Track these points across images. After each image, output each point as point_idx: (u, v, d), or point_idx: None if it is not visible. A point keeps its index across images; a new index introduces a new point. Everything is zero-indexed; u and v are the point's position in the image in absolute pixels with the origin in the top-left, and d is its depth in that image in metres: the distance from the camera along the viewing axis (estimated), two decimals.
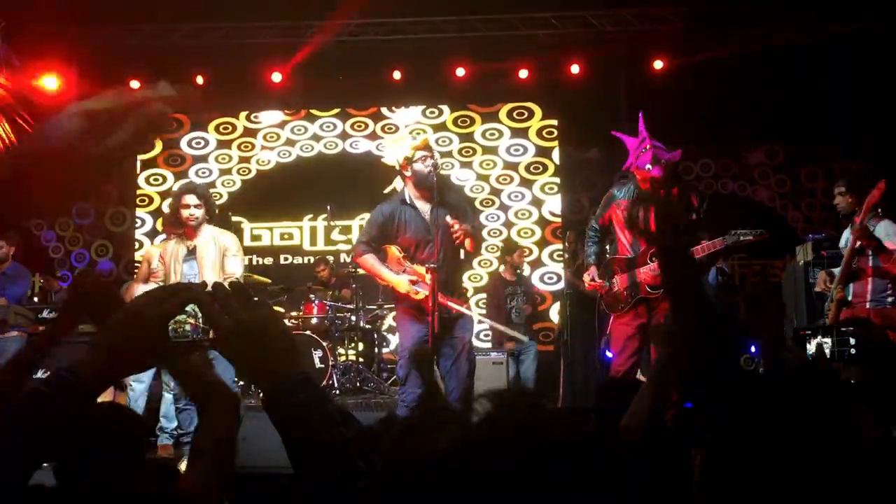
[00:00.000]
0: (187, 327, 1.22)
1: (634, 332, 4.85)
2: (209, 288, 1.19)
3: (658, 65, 9.75)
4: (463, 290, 5.09)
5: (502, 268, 8.53)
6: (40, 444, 1.08)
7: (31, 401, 1.09)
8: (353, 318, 8.18)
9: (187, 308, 1.19)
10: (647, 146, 4.86)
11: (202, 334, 1.22)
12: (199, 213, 5.52)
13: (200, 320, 1.22)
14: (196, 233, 5.58)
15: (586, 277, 5.10)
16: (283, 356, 1.15)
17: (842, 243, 5.37)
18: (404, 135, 5.52)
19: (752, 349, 8.12)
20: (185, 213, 5.51)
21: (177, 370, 1.41)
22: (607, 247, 5.16)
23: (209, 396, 1.45)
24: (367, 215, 10.02)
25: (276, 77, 10.04)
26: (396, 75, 10.06)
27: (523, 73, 10.07)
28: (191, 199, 5.53)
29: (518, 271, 8.33)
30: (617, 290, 4.91)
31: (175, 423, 5.80)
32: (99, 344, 1.15)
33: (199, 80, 10.06)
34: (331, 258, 9.48)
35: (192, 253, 5.56)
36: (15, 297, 6.63)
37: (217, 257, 5.54)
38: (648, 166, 4.79)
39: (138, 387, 5.95)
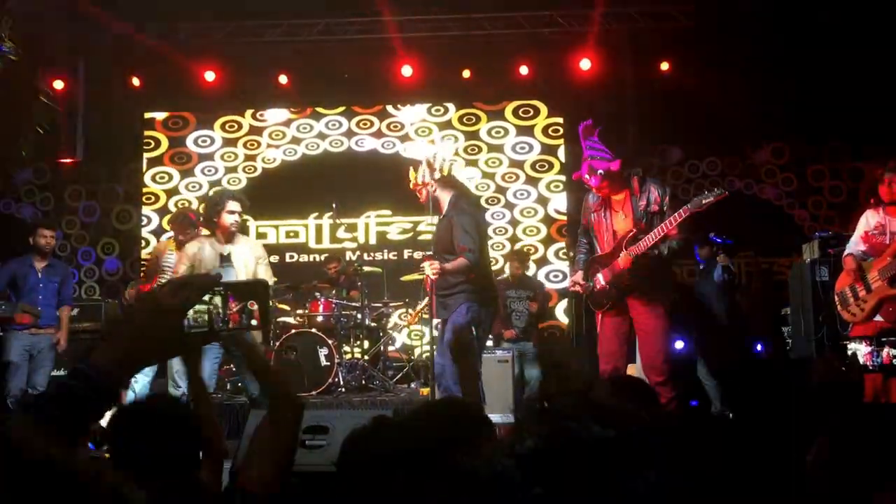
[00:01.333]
0: (206, 317, 1.22)
1: (620, 331, 5.00)
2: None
3: (664, 63, 9.73)
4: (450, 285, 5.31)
5: (506, 271, 8.57)
6: (65, 436, 1.08)
7: (56, 393, 1.09)
8: (359, 316, 8.18)
9: (205, 298, 1.21)
10: (585, 157, 5.03)
11: (221, 325, 1.23)
12: (239, 220, 5.68)
13: (220, 310, 1.23)
14: (232, 239, 5.69)
15: (574, 279, 5.26)
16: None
17: (870, 229, 5.17)
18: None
19: (759, 347, 8.11)
20: (229, 218, 5.63)
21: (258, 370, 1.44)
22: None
23: (277, 397, 1.47)
24: (372, 213, 10.18)
25: (283, 76, 10.06)
26: (402, 73, 10.06)
27: (528, 71, 10.07)
28: (235, 205, 5.70)
29: (524, 272, 8.39)
30: (599, 286, 5.04)
31: None
32: (118, 335, 1.16)
33: (206, 77, 10.08)
34: (350, 255, 9.43)
35: (227, 259, 5.63)
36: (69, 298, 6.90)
37: (253, 265, 5.68)
38: (586, 176, 5.01)
39: (143, 379, 5.98)
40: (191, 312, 1.19)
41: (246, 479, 1.47)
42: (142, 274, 6.79)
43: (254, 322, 1.26)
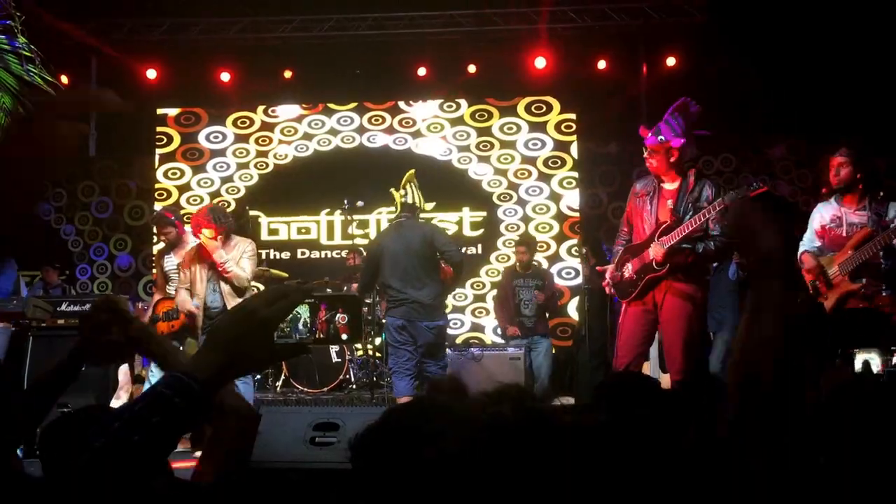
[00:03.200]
0: (297, 329, 1.20)
1: (643, 323, 4.75)
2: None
3: (674, 60, 9.67)
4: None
5: (512, 258, 8.50)
6: (160, 446, 1.07)
7: (151, 401, 1.07)
8: (371, 312, 8.15)
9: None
10: (645, 144, 4.85)
11: (309, 335, 1.21)
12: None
13: (308, 322, 1.21)
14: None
15: (608, 275, 5.08)
16: None
17: (826, 223, 5.00)
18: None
19: None
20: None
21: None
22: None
23: (223, 412, 1.44)
24: (384, 210, 10.16)
25: (294, 72, 10.06)
26: (421, 71, 10.04)
27: (541, 66, 10.02)
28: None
29: (533, 263, 8.26)
30: (628, 275, 4.83)
31: None
32: (215, 344, 1.14)
33: (219, 74, 10.09)
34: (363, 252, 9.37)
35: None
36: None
37: (238, 259, 5.68)
38: (649, 134, 4.81)
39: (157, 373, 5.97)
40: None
41: (199, 476, 1.43)
42: (154, 288, 6.73)
43: (345, 336, 1.25)
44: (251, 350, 1.14)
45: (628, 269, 4.84)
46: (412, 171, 6.19)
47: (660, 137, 4.78)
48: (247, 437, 1.53)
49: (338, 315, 1.24)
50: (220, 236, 5.70)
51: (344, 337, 1.27)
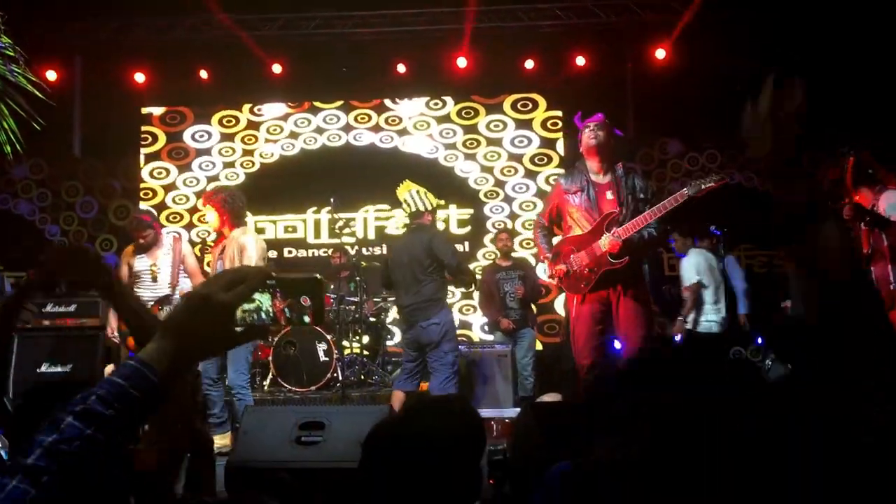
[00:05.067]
0: (257, 314, 1.18)
1: (599, 321, 4.76)
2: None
3: (662, 54, 9.69)
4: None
5: (491, 247, 8.51)
6: (115, 438, 1.03)
7: (106, 393, 1.03)
8: (358, 311, 8.14)
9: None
10: (587, 123, 4.94)
11: (270, 320, 1.19)
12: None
13: (268, 307, 1.19)
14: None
15: (548, 272, 5.12)
16: None
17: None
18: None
19: (759, 340, 8.07)
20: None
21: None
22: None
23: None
24: (371, 207, 10.14)
25: (280, 70, 10.02)
26: (400, 68, 10.03)
27: (528, 64, 10.04)
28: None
29: (511, 255, 8.25)
30: (577, 269, 4.81)
31: None
32: (171, 331, 1.11)
33: (203, 72, 10.05)
34: (349, 250, 9.34)
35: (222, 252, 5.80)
36: None
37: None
38: (592, 125, 4.91)
39: None
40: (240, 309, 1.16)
41: (141, 462, 1.41)
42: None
43: (306, 318, 1.22)
44: (209, 336, 1.12)
45: (576, 262, 4.83)
46: (405, 182, 6.32)
47: (608, 121, 4.93)
48: (187, 417, 1.51)
49: (300, 300, 1.22)
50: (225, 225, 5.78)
51: (306, 319, 1.24)
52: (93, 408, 1.02)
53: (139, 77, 10.17)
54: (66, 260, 1.61)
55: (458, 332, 10.05)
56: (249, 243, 5.69)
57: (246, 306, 1.16)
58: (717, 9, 9.08)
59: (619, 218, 4.68)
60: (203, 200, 5.98)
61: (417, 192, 6.19)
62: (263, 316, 1.18)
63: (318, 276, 1.25)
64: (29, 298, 1.68)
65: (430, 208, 6.14)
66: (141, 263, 6.10)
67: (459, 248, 10.13)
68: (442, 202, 6.56)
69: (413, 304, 5.90)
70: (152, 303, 5.90)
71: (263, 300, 1.18)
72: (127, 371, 1.06)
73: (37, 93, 6.06)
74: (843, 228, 5.14)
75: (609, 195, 4.80)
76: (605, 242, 4.67)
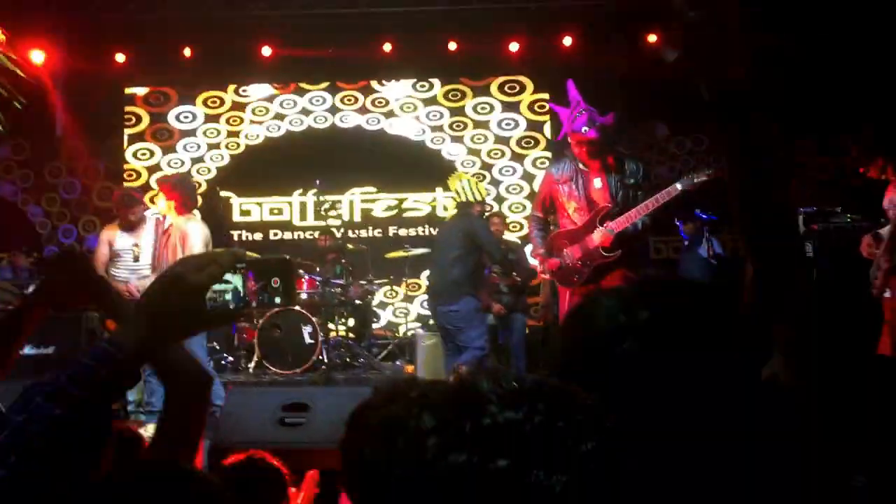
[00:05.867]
0: (228, 296, 1.17)
1: None
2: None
3: (651, 37, 9.66)
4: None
5: None
6: (84, 418, 1.02)
7: (74, 373, 1.03)
8: (343, 294, 8.12)
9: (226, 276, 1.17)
10: (582, 109, 4.83)
11: (241, 302, 1.18)
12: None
13: (240, 288, 1.18)
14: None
15: (540, 267, 5.10)
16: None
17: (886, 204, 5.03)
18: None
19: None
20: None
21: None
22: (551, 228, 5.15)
23: (176, 374, 1.40)
24: (357, 190, 10.10)
25: (266, 51, 9.92)
26: (387, 48, 9.96)
27: (514, 47, 9.98)
28: None
29: (503, 239, 8.21)
30: (570, 262, 4.82)
31: (137, 397, 5.82)
32: (142, 312, 1.10)
33: (187, 52, 9.95)
34: (335, 232, 9.27)
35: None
36: None
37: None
38: (585, 128, 4.74)
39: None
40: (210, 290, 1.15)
41: (150, 454, 1.39)
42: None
43: (277, 300, 1.22)
44: (180, 317, 1.11)
45: (569, 256, 4.82)
46: (458, 172, 6.48)
47: (598, 123, 4.79)
48: (201, 403, 1.50)
49: (271, 282, 1.21)
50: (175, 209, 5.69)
51: (277, 300, 1.23)
52: (63, 388, 1.01)
53: (122, 57, 10.05)
54: (68, 284, 1.60)
55: None
56: (193, 230, 5.58)
57: (217, 287, 1.15)
58: None
59: (612, 210, 4.66)
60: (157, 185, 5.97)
61: (469, 182, 6.29)
62: (235, 297, 1.18)
63: (287, 256, 1.25)
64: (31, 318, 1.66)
65: (479, 199, 6.24)
66: (123, 242, 6.03)
67: None
68: (488, 196, 6.64)
69: (436, 286, 6.00)
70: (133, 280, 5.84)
71: (235, 281, 1.18)
72: (96, 352, 1.05)
73: (18, 72, 5.99)
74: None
75: (598, 183, 4.78)
76: (598, 236, 4.67)
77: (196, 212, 6.05)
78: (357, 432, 0.85)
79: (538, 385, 0.83)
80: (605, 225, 4.66)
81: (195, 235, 5.54)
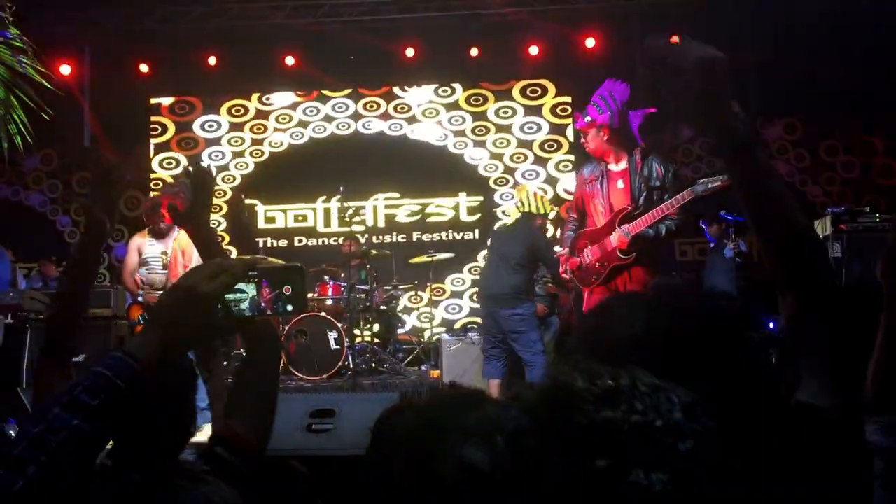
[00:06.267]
0: (244, 304, 1.18)
1: None
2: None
3: (673, 38, 9.59)
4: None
5: None
6: (102, 428, 1.04)
7: (91, 384, 1.04)
8: (368, 299, 8.14)
9: (240, 286, 1.18)
10: (593, 101, 4.82)
11: (257, 311, 1.19)
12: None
13: (255, 297, 1.19)
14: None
15: (562, 266, 5.08)
16: None
17: None
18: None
19: (772, 325, 8.02)
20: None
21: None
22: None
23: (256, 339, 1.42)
24: (380, 195, 10.12)
25: (290, 60, 10.00)
26: (409, 53, 9.99)
27: (535, 50, 9.97)
28: None
29: None
30: (589, 262, 4.79)
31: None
32: (155, 321, 1.12)
33: (211, 61, 10.04)
34: (359, 238, 9.28)
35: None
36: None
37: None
38: (587, 118, 4.79)
39: None
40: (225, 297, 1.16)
41: (228, 430, 1.37)
42: (122, 274, 6.61)
43: (290, 307, 1.22)
44: (192, 326, 1.12)
45: (588, 256, 4.81)
46: (525, 184, 6.54)
47: (587, 118, 4.78)
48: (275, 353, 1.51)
49: (283, 290, 1.22)
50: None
51: (289, 308, 1.24)
52: (79, 398, 1.02)
53: (146, 66, 10.17)
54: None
55: (470, 319, 10.08)
56: (190, 241, 5.64)
57: (232, 296, 1.16)
58: None
59: (633, 212, 4.62)
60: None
61: (534, 194, 6.31)
62: (251, 306, 1.18)
63: (298, 264, 1.26)
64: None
65: (543, 212, 6.25)
66: (152, 250, 6.08)
67: (469, 235, 10.15)
68: (551, 212, 6.59)
69: (496, 292, 5.99)
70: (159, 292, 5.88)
71: (249, 290, 1.18)
72: (111, 362, 1.06)
73: (46, 84, 6.07)
74: None
75: (620, 184, 4.73)
76: (615, 238, 4.64)
77: None
78: (448, 434, 0.84)
79: (634, 383, 0.83)
80: (622, 227, 4.62)
81: (192, 246, 5.60)
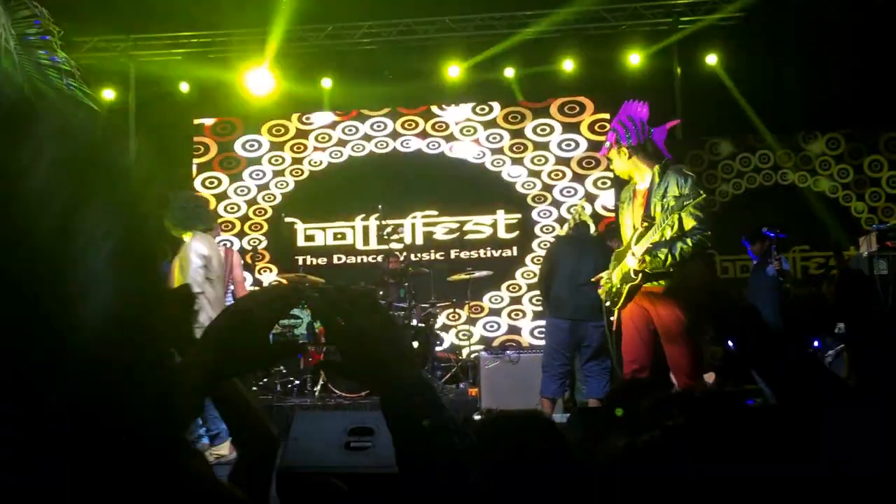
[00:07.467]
0: (299, 330, 1.19)
1: (639, 321, 4.70)
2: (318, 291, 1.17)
3: (712, 56, 9.56)
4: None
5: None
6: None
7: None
8: (407, 317, 8.15)
9: (294, 311, 1.17)
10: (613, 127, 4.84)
11: (312, 338, 1.19)
12: None
13: (306, 324, 1.20)
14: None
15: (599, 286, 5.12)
16: (398, 361, 1.09)
17: None
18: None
19: (816, 343, 7.88)
20: None
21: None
22: None
23: (242, 425, 1.40)
24: (418, 213, 10.17)
25: (327, 83, 10.15)
26: (452, 72, 10.06)
27: (572, 67, 9.98)
28: None
29: None
30: (614, 282, 4.83)
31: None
32: (208, 345, 1.11)
33: (257, 81, 10.21)
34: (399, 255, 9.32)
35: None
36: None
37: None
38: (606, 144, 4.88)
39: None
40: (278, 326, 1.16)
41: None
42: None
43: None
44: (245, 350, 1.11)
45: (614, 276, 4.84)
46: (579, 205, 6.80)
47: (606, 144, 4.83)
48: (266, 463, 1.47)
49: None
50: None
51: None
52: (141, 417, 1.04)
53: (188, 86, 10.37)
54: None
55: (508, 336, 10.07)
56: (188, 258, 5.68)
57: (286, 322, 1.16)
58: (767, 7, 8.93)
59: (644, 231, 4.59)
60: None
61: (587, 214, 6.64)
62: (307, 332, 1.19)
63: (345, 286, 1.24)
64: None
65: (590, 225, 6.55)
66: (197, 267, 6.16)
67: (508, 252, 10.15)
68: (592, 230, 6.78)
69: (577, 302, 6.03)
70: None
71: (304, 317, 1.19)
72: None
73: (93, 105, 6.23)
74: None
75: (639, 203, 4.73)
76: (630, 259, 4.66)
77: (197, 232, 6.06)
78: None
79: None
80: (634, 247, 4.63)
81: (189, 263, 5.64)
